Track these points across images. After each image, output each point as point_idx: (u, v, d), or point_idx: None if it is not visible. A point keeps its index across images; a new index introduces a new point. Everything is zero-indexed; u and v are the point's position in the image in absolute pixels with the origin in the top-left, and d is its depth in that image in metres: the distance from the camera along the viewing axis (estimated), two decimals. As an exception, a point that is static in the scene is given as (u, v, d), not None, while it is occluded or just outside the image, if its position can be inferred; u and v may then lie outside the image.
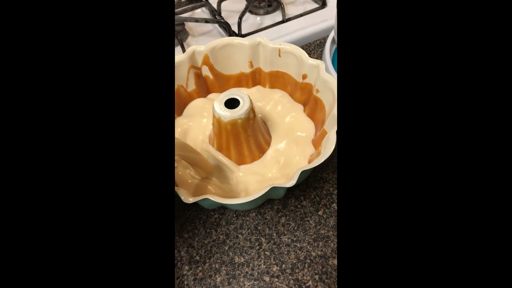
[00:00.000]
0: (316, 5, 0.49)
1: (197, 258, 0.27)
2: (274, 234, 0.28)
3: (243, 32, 0.45)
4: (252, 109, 0.27)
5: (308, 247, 0.27)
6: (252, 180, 0.30)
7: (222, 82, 0.36)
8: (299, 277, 0.26)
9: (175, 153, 0.24)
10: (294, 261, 0.27)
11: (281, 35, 0.45)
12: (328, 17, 0.47)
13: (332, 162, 0.32)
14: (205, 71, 0.34)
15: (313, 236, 0.28)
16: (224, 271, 0.27)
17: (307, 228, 0.28)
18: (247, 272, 0.26)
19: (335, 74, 0.35)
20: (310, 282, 0.26)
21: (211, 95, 0.36)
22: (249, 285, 0.26)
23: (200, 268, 0.27)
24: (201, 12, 0.51)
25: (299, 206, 0.30)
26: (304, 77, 0.32)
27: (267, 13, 0.49)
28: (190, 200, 0.23)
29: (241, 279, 0.26)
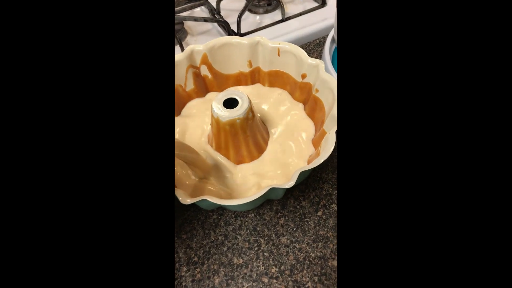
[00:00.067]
0: (315, 4, 0.49)
1: (196, 259, 0.27)
2: (273, 235, 0.28)
3: (242, 31, 0.45)
4: (251, 109, 0.27)
5: (307, 248, 0.27)
6: (251, 180, 0.29)
7: (221, 81, 0.36)
8: (298, 278, 0.26)
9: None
10: (293, 262, 0.27)
11: (280, 34, 0.44)
12: (327, 16, 0.46)
13: (331, 162, 0.32)
14: (204, 71, 0.34)
15: (312, 237, 0.28)
16: (223, 272, 0.26)
17: (306, 229, 0.28)
18: (245, 274, 0.26)
19: (334, 74, 0.35)
20: (309, 284, 0.25)
21: (209, 95, 0.36)
22: (247, 287, 0.26)
23: (198, 269, 0.27)
24: (200, 11, 0.51)
25: (298, 206, 0.30)
26: (304, 76, 0.32)
27: (266, 12, 0.49)
28: (188, 201, 0.23)
29: (240, 281, 0.26)
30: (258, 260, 0.27)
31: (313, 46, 0.44)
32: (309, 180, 0.31)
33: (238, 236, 0.28)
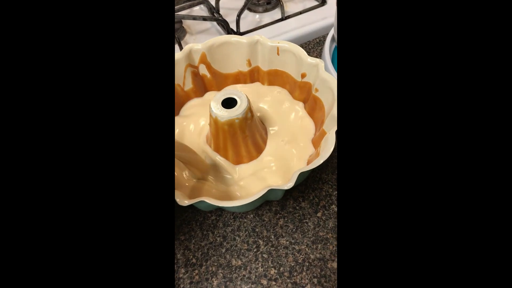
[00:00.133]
0: (315, 3, 0.49)
1: (194, 261, 0.27)
2: (272, 236, 0.28)
3: (242, 30, 0.44)
4: (249, 109, 0.27)
5: (307, 249, 0.27)
6: (249, 181, 0.29)
7: (219, 81, 0.35)
8: (297, 280, 0.25)
9: (171, 154, 0.24)
10: (292, 264, 0.26)
11: (280, 33, 0.44)
12: (327, 15, 0.46)
13: (331, 163, 0.32)
14: (203, 70, 0.34)
15: (311, 239, 0.27)
16: (221, 274, 0.26)
17: (306, 230, 0.28)
18: (244, 275, 0.26)
19: (334, 73, 0.35)
20: (308, 286, 0.25)
21: (208, 94, 0.35)
22: (246, 289, 0.25)
23: (196, 271, 0.26)
24: (199, 10, 0.51)
25: (297, 207, 0.29)
26: (303, 76, 0.32)
27: (266, 10, 0.49)
28: (185, 202, 0.22)
29: (238, 283, 0.26)
30: (257, 262, 0.26)
31: (313, 45, 0.44)
32: (308, 181, 0.31)
33: (237, 238, 0.28)
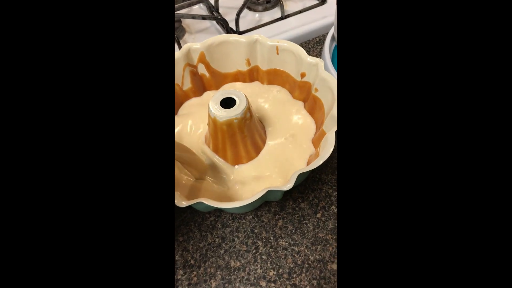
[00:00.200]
0: (315, 1, 0.48)
1: (192, 262, 0.27)
2: (271, 238, 0.27)
3: (241, 29, 0.44)
4: (248, 109, 0.26)
5: (306, 251, 0.27)
6: (248, 181, 0.29)
7: (218, 80, 0.35)
8: (297, 282, 0.25)
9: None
10: (292, 266, 0.26)
11: (279, 32, 0.44)
12: (327, 14, 0.46)
13: (331, 163, 0.32)
14: (201, 69, 0.33)
15: (311, 240, 0.27)
16: (220, 276, 0.26)
17: (305, 232, 0.28)
18: (243, 277, 0.26)
19: (334, 73, 0.34)
20: (308, 288, 0.25)
21: (207, 93, 0.35)
22: (245, 291, 0.25)
23: (195, 273, 0.26)
24: (199, 9, 0.50)
25: (297, 208, 0.29)
26: (303, 75, 0.31)
27: (265, 9, 0.48)
28: (183, 203, 0.22)
29: (237, 284, 0.25)
30: (256, 263, 0.26)
31: (312, 44, 0.44)
32: (308, 181, 0.31)
33: (236, 239, 0.28)
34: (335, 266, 0.26)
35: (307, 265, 0.26)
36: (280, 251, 0.27)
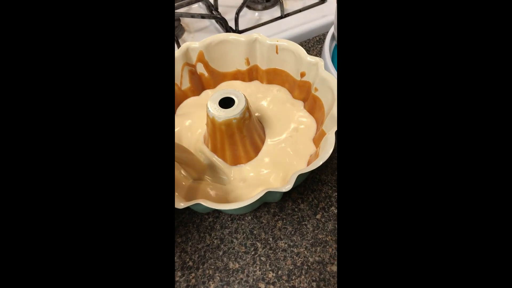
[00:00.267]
0: (315, 0, 0.48)
1: (190, 263, 0.26)
2: (270, 239, 0.27)
3: (241, 28, 0.44)
4: (247, 109, 0.26)
5: (306, 252, 0.26)
6: (247, 182, 0.28)
7: (217, 79, 0.35)
8: (296, 284, 0.25)
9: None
10: (291, 267, 0.26)
11: (279, 31, 0.43)
12: (328, 13, 0.45)
13: (331, 164, 0.31)
14: (200, 69, 0.33)
15: (310, 241, 0.27)
16: (218, 278, 0.26)
17: (305, 233, 0.27)
18: (241, 279, 0.25)
19: (334, 72, 0.34)
20: (307, 290, 0.25)
21: (205, 92, 0.35)
22: (243, 293, 0.25)
23: (193, 274, 0.26)
24: (198, 7, 0.50)
25: (296, 209, 0.29)
26: (303, 75, 0.31)
27: (265, 8, 0.48)
28: (181, 205, 0.22)
29: (236, 286, 0.25)
30: (255, 265, 0.26)
31: (312, 44, 0.43)
32: (307, 182, 0.30)
33: (234, 240, 0.27)
34: (334, 268, 0.25)
35: (306, 267, 0.26)
36: (279, 253, 0.26)
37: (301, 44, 0.40)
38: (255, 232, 0.28)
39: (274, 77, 0.34)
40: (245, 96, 0.26)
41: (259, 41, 0.31)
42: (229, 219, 0.29)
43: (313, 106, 0.31)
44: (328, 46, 0.37)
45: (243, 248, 0.27)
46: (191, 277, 0.26)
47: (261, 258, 0.26)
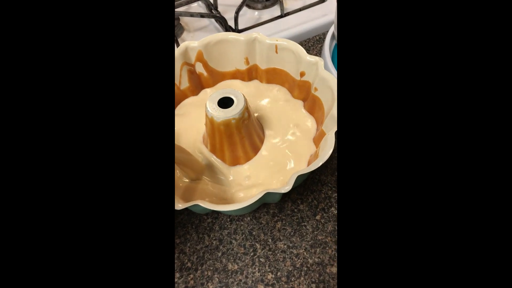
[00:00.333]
0: (316, -1, 0.48)
1: (189, 264, 0.26)
2: (270, 240, 0.27)
3: (240, 27, 0.43)
4: (246, 109, 0.26)
5: (305, 253, 0.26)
6: (246, 182, 0.28)
7: (216, 79, 0.34)
8: (295, 285, 0.25)
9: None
10: (290, 269, 0.26)
11: (279, 30, 0.43)
12: (328, 12, 0.45)
13: (331, 164, 0.31)
14: (199, 68, 0.33)
15: (310, 242, 0.27)
16: (217, 279, 0.25)
17: (304, 234, 0.27)
18: (240, 280, 0.25)
19: (335, 72, 0.34)
20: (306, 291, 0.24)
21: (204, 91, 0.34)
22: (242, 294, 0.25)
23: (191, 276, 0.26)
24: (197, 7, 0.50)
25: (296, 210, 0.29)
26: (302, 74, 0.31)
27: (265, 7, 0.48)
28: (179, 206, 0.22)
29: (234, 288, 0.25)
30: (254, 266, 0.26)
31: (312, 43, 0.43)
32: (307, 183, 0.30)
33: (233, 241, 0.27)
34: (334, 269, 0.25)
35: (306, 268, 0.25)
36: (278, 254, 0.26)
37: (301, 44, 0.40)
38: (254, 233, 0.27)
39: (274, 76, 0.34)
40: (244, 96, 0.26)
41: (258, 41, 0.31)
42: (228, 220, 0.28)
43: (313, 106, 0.31)
44: (328, 45, 0.37)
45: (242, 249, 0.27)
46: (189, 278, 0.25)
47: (260, 259, 0.26)
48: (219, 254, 0.27)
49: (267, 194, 0.22)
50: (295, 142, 0.30)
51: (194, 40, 0.34)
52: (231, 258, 0.26)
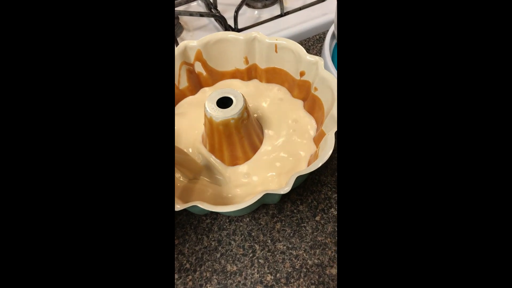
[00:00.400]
0: (316, -1, 0.47)
1: (187, 266, 0.26)
2: (269, 241, 0.27)
3: (240, 26, 0.43)
4: (245, 108, 0.26)
5: (304, 255, 0.26)
6: (246, 182, 0.28)
7: (216, 78, 0.34)
8: (295, 287, 0.25)
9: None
10: (289, 270, 0.25)
11: (279, 30, 0.43)
12: (328, 11, 0.45)
13: (331, 164, 0.31)
14: (198, 68, 0.33)
15: (309, 243, 0.26)
16: (216, 280, 0.25)
17: (304, 235, 0.27)
18: (239, 282, 0.25)
19: (335, 71, 0.34)
20: (306, 293, 0.24)
21: (203, 90, 0.34)
22: (241, 296, 0.24)
23: (190, 277, 0.25)
24: (197, 6, 0.49)
25: (295, 211, 0.28)
26: (302, 74, 0.30)
27: (265, 6, 0.47)
28: (177, 207, 0.21)
29: (233, 289, 0.25)
30: (253, 268, 0.26)
31: (312, 42, 0.43)
32: (307, 183, 0.30)
33: (232, 242, 0.27)
34: (334, 271, 0.25)
35: (305, 270, 0.25)
36: (277, 255, 0.26)
37: (301, 43, 0.40)
38: (253, 234, 0.27)
39: (273, 76, 0.33)
40: (243, 96, 0.26)
41: (258, 40, 0.31)
42: (227, 220, 0.28)
43: (312, 106, 0.31)
44: (328, 45, 0.37)
45: (241, 250, 0.26)
46: (188, 279, 0.25)
47: (259, 260, 0.26)
48: (218, 255, 0.26)
49: (267, 195, 0.22)
50: (295, 142, 0.30)
51: (194, 39, 0.33)
52: (230, 259, 0.26)
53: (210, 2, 0.46)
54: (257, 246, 0.27)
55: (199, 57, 0.32)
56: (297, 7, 0.45)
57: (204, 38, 0.31)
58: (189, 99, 0.34)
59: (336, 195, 0.29)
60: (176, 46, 0.31)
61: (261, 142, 0.30)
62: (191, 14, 0.41)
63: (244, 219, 0.28)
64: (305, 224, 0.27)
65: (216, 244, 0.27)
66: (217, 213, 0.29)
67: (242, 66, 0.33)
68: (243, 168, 0.29)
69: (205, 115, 0.26)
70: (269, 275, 0.25)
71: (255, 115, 0.32)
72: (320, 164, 0.22)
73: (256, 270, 0.25)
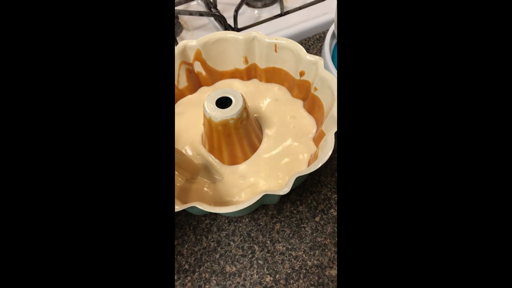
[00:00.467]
0: (316, -2, 0.47)
1: (186, 266, 0.26)
2: (268, 242, 0.27)
3: (240, 26, 0.43)
4: (245, 108, 0.26)
5: (304, 256, 0.26)
6: (245, 182, 0.28)
7: (215, 78, 0.34)
8: (294, 288, 0.24)
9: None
10: (289, 271, 0.25)
11: (279, 29, 0.43)
12: (328, 10, 0.45)
13: (330, 165, 0.31)
14: (197, 67, 0.33)
15: (309, 244, 0.26)
16: (215, 281, 0.25)
17: (303, 236, 0.27)
18: (238, 283, 0.25)
19: (335, 71, 0.33)
20: (305, 294, 0.24)
21: (202, 89, 0.34)
22: (240, 297, 0.24)
23: (189, 278, 0.25)
24: (197, 5, 0.49)
25: (295, 211, 0.28)
26: (302, 74, 0.30)
27: (264, 6, 0.47)
28: (176, 207, 0.21)
29: (232, 290, 0.25)
30: (252, 269, 0.25)
31: (312, 42, 0.43)
32: (306, 184, 0.30)
33: (232, 243, 0.27)
34: (333, 272, 0.25)
35: (304, 271, 0.25)
36: (277, 256, 0.26)
37: (300, 43, 0.40)
38: (252, 234, 0.27)
39: (273, 76, 0.33)
40: (242, 96, 0.26)
41: (257, 39, 0.30)
42: (226, 221, 0.28)
43: (312, 105, 0.31)
44: (328, 44, 0.36)
45: (240, 251, 0.26)
46: (187, 280, 0.25)
47: (259, 261, 0.26)
48: (217, 256, 0.26)
49: (266, 196, 0.21)
50: (294, 142, 0.30)
51: (193, 38, 0.33)
52: (229, 260, 0.26)
53: (210, 1, 0.46)
54: (256, 247, 0.26)
55: (198, 57, 0.32)
56: (297, 7, 0.45)
57: (203, 37, 0.31)
58: (188, 98, 0.34)
59: (336, 195, 0.29)
60: (176, 46, 0.31)
61: (260, 142, 0.30)
62: (190, 13, 0.41)
63: (244, 220, 0.28)
64: (304, 225, 0.27)
65: (215, 244, 0.27)
66: (216, 214, 0.28)
67: (242, 66, 0.33)
68: (242, 168, 0.29)
69: (204, 115, 0.26)
70: (268, 276, 0.25)
71: (255, 115, 0.31)
72: (320, 165, 0.22)
73: (255, 271, 0.25)
